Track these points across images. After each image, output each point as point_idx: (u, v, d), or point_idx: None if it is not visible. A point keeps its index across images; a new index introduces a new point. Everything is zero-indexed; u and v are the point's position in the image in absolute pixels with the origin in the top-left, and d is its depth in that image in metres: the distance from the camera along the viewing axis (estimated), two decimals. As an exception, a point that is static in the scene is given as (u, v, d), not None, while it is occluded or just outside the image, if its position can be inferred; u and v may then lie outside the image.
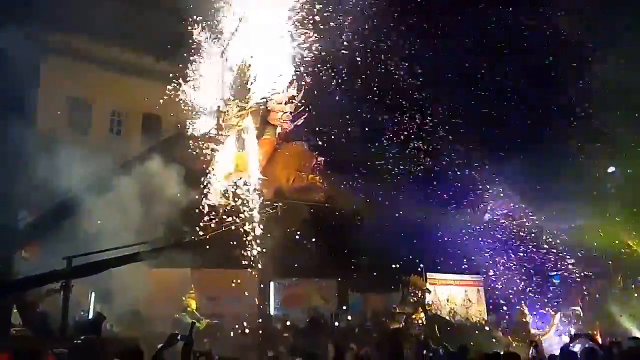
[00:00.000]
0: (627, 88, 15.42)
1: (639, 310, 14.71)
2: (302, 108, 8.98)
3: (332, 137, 14.62)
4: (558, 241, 16.31)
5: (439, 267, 18.45)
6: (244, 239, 9.41)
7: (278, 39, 8.89)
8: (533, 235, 16.25)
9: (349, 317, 15.25)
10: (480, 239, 16.96)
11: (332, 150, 15.03)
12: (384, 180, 17.23)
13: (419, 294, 16.57)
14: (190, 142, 9.01)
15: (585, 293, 16.61)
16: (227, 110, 8.51)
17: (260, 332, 12.86)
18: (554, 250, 16.91)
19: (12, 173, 11.02)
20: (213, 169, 8.76)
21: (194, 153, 8.96)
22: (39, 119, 14.50)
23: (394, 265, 17.02)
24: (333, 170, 16.97)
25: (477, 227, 15.23)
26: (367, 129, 15.97)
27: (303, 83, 8.95)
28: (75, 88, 15.73)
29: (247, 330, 12.95)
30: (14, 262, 9.32)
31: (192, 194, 8.75)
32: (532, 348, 11.56)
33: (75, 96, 16.14)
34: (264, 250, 14.39)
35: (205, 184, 8.74)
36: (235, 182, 8.96)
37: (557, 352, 10.47)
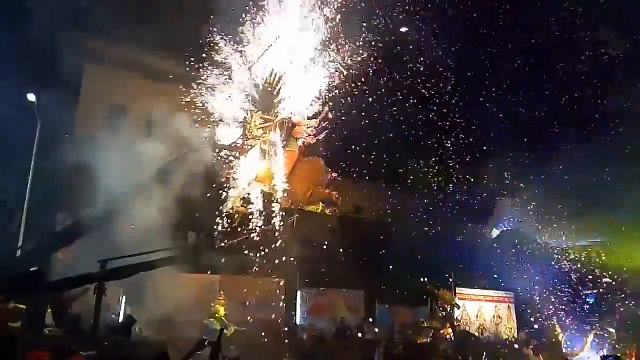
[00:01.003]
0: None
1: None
2: (326, 123, 9.11)
3: (364, 149, 14.62)
4: (593, 260, 15.77)
5: (469, 282, 18.14)
6: (273, 247, 9.50)
7: (307, 54, 9.03)
8: (566, 253, 15.78)
9: (376, 330, 15.10)
10: (512, 255, 16.58)
11: (363, 163, 15.07)
12: (417, 193, 17.11)
13: (448, 309, 16.33)
14: (217, 150, 9.21)
15: (621, 313, 16.02)
16: (252, 122, 8.67)
17: (287, 341, 12.86)
18: (589, 269, 16.40)
19: (52, 177, 11.44)
20: (236, 177, 8.91)
21: (221, 161, 9.15)
22: (79, 124, 15.05)
23: (423, 279, 16.82)
24: (364, 183, 17.03)
25: (510, 244, 14.86)
26: (400, 142, 15.85)
27: (328, 94, 9.06)
28: (114, 95, 16.19)
29: (273, 339, 12.98)
30: (51, 263, 9.63)
31: (220, 201, 8.90)
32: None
33: (114, 103, 16.60)
34: (292, 259, 14.51)
35: (228, 192, 8.90)
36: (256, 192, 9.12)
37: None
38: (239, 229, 8.62)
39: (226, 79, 9.10)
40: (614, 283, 15.87)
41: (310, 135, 9.00)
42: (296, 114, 8.88)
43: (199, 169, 9.17)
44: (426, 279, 16.77)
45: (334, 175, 9.46)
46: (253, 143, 8.75)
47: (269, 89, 8.60)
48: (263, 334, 13.17)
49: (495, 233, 14.09)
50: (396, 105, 15.08)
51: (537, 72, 16.46)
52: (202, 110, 9.30)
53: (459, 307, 16.76)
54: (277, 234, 8.95)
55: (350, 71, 9.89)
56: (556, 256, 16.16)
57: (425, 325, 15.28)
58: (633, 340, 14.75)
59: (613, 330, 15.10)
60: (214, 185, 9.05)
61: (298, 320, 15.75)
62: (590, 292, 17.24)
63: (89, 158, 10.04)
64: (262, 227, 8.65)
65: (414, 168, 16.62)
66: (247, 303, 14.19)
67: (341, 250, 14.97)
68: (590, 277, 16.71)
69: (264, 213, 8.66)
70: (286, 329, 14.40)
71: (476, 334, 16.51)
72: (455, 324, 16.00)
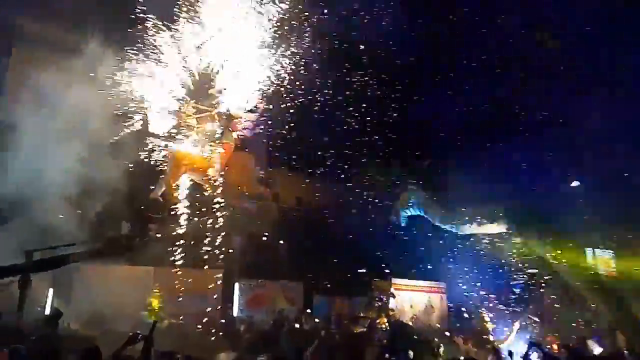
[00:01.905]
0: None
1: (593, 319, 15.11)
2: (263, 117, 9.12)
3: (307, 142, 14.64)
4: (519, 251, 16.48)
5: (404, 273, 18.68)
6: (210, 238, 9.40)
7: (247, 49, 8.97)
8: (495, 245, 16.44)
9: (315, 320, 15.23)
10: (444, 246, 17.14)
11: (306, 156, 15.10)
12: (354, 185, 17.31)
13: (384, 299, 16.77)
14: (150, 139, 9.00)
15: (545, 302, 16.96)
16: (187, 111, 8.55)
17: (221, 333, 12.74)
18: (516, 260, 17.20)
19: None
20: (170, 167, 8.73)
21: (153, 150, 8.96)
22: (3, 107, 14.13)
23: (360, 270, 17.12)
24: (304, 174, 17.09)
25: (444, 235, 15.29)
26: (343, 135, 15.96)
27: (267, 90, 9.06)
28: (43, 78, 15.31)
29: (209, 331, 12.83)
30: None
31: (151, 192, 8.68)
32: (491, 355, 11.84)
33: (42, 86, 15.70)
34: (230, 250, 14.38)
35: (161, 182, 8.69)
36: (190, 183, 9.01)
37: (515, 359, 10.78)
38: (173, 220, 8.48)
39: (159, 63, 8.86)
40: (538, 273, 16.70)
41: (247, 128, 8.98)
42: (234, 107, 8.81)
43: (131, 158, 8.91)
44: (364, 270, 17.13)
45: (262, 173, 9.54)
46: (187, 132, 8.61)
47: (205, 78, 8.48)
48: (199, 326, 13.00)
49: (402, 218, 14.16)
50: (339, 100, 15.17)
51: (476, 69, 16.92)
52: (134, 97, 9.02)
53: (394, 297, 17.23)
54: (214, 225, 8.89)
55: (295, 63, 9.90)
56: (482, 245, 16.71)
57: (362, 315, 15.60)
58: (555, 328, 15.70)
59: (537, 319, 15.99)
60: (146, 175, 8.82)
61: (235, 312, 15.63)
62: (517, 282, 18.15)
63: (12, 143, 9.50)
64: (197, 218, 8.57)
65: (354, 161, 16.74)
66: (183, 295, 13.92)
67: (281, 242, 14.98)
68: (517, 267, 17.51)
69: (197, 204, 8.57)
70: (223, 321, 14.27)
71: (409, 323, 17.01)
72: (390, 313, 16.43)
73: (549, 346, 13.91)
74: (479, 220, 13.81)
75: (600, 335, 14.12)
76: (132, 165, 9.11)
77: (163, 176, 8.63)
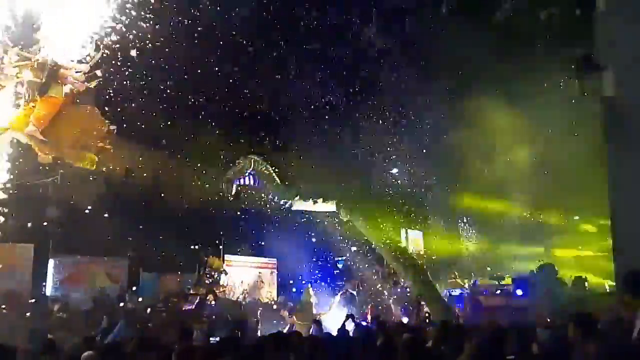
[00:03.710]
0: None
1: (403, 295, 16.85)
2: (97, 70, 8.25)
3: (142, 108, 13.72)
4: (342, 231, 17.50)
5: (236, 249, 18.78)
6: (21, 208, 8.31)
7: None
8: (323, 222, 17.29)
9: (140, 299, 14.54)
10: (276, 224, 17.56)
11: (134, 124, 14.13)
12: (189, 158, 16.75)
13: (215, 276, 16.69)
14: None
15: (362, 277, 18.43)
16: (8, 59, 7.40)
17: (28, 314, 11.50)
18: (339, 239, 18.31)
19: None
20: None
21: None
22: None
23: (192, 246, 16.75)
24: (135, 145, 15.99)
25: (275, 213, 15.60)
26: (178, 101, 15.23)
27: (102, 42, 8.21)
28: None
29: (16, 312, 11.48)
30: None
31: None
32: (313, 326, 12.56)
33: None
34: (45, 223, 12.95)
35: None
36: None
37: (334, 331, 11.55)
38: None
39: None
40: (360, 251, 18.04)
41: (78, 81, 8.01)
42: (61, 55, 7.79)
43: None
44: (197, 246, 16.78)
45: (112, 127, 8.61)
46: (3, 83, 7.43)
47: (29, 22, 7.37)
48: (3, 306, 11.57)
49: (232, 189, 14.08)
50: (183, 66, 14.44)
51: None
52: None
53: (226, 274, 17.26)
54: (29, 192, 7.88)
55: (136, 18, 9.12)
56: (312, 223, 17.43)
57: (191, 292, 15.34)
58: (369, 301, 17.19)
59: (355, 293, 17.34)
60: None
61: (48, 291, 14.22)
62: (340, 258, 19.45)
63: None
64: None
65: (192, 133, 16.10)
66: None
67: (105, 215, 13.95)
68: (342, 244, 18.71)
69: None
70: (33, 300, 12.88)
71: (239, 298, 17.23)
72: (221, 289, 16.43)
73: (366, 316, 15.25)
74: (311, 197, 14.31)
75: (406, 306, 15.86)
76: None
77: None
